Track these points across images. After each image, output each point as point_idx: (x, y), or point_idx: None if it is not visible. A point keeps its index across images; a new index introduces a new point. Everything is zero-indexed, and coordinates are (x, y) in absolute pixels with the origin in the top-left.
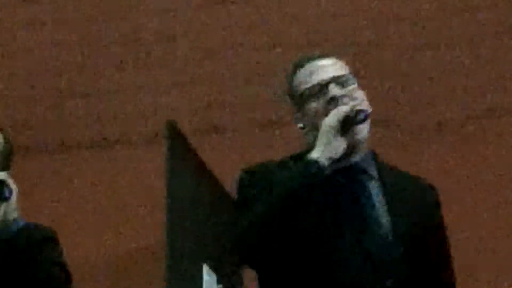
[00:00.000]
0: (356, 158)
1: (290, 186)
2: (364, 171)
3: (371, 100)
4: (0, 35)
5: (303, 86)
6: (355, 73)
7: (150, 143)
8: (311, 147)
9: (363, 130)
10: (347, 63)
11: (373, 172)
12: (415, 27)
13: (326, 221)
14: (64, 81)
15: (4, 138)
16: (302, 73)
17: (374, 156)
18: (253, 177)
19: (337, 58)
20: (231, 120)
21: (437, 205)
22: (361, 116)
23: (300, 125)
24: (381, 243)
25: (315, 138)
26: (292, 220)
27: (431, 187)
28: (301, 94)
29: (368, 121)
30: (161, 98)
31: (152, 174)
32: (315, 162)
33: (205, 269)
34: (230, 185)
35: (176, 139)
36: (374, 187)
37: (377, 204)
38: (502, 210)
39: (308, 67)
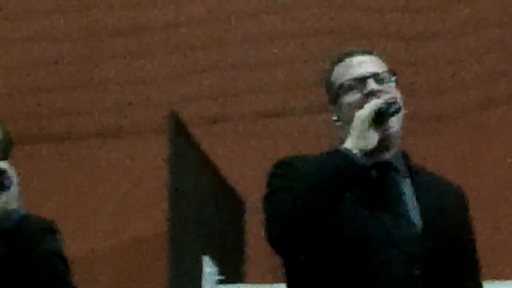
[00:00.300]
0: (388, 155)
1: (320, 176)
2: (396, 169)
3: None
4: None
5: (342, 79)
6: None
7: (153, 133)
8: (343, 141)
9: (396, 124)
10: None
11: (404, 171)
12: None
13: (357, 215)
14: (68, 71)
15: (2, 128)
16: (341, 67)
17: (405, 155)
18: (287, 168)
19: (377, 55)
20: (234, 110)
21: (466, 207)
22: (394, 108)
23: (335, 117)
24: (412, 241)
25: (349, 131)
26: (322, 211)
27: (460, 190)
28: (339, 87)
29: (401, 117)
30: (165, 88)
31: (155, 164)
32: (346, 153)
33: (206, 260)
34: (233, 175)
35: (179, 130)
36: (406, 186)
37: (409, 203)
38: None
39: (349, 61)
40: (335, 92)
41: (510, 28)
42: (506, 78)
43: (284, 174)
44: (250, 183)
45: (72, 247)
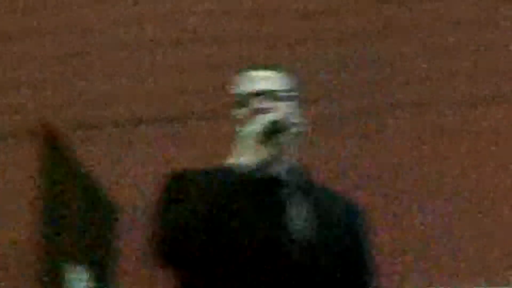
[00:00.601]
0: (277, 169)
1: (209, 191)
2: (285, 184)
3: None
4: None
5: (238, 91)
6: None
7: (26, 139)
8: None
9: (285, 140)
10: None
11: (298, 185)
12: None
13: (242, 226)
14: None
15: None
16: (242, 79)
17: (304, 170)
18: (179, 181)
19: (285, 72)
20: (110, 116)
21: (364, 226)
22: (285, 125)
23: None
24: (288, 251)
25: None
26: (212, 223)
27: (360, 209)
28: (236, 98)
29: (294, 132)
30: (38, 93)
31: (26, 170)
32: (232, 168)
33: (77, 268)
34: (108, 180)
35: (52, 135)
36: (295, 199)
37: (294, 215)
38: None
39: (249, 75)
40: (235, 102)
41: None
42: None
43: (176, 187)
44: (127, 191)
45: None
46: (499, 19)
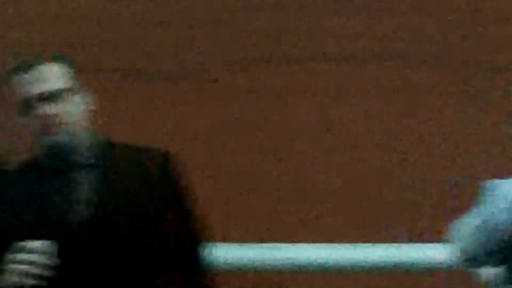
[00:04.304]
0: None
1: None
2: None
3: None
4: None
5: (17, 97)
6: None
7: None
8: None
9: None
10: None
11: (81, 163)
12: None
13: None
14: None
15: None
16: (15, 82)
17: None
18: None
19: (54, 65)
20: None
21: (169, 174)
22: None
23: None
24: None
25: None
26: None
27: (163, 156)
28: (17, 103)
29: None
30: None
31: None
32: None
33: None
34: None
35: None
36: (82, 176)
37: (76, 193)
38: None
39: (19, 78)
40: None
41: None
42: None
43: None
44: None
45: None
46: None
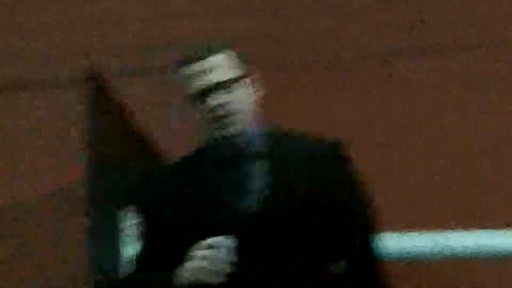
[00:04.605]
0: (230, 131)
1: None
2: (243, 158)
3: None
4: None
5: (186, 89)
6: None
7: (69, 85)
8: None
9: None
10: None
11: (255, 154)
12: None
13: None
14: None
15: None
16: (184, 75)
17: (264, 128)
18: (144, 190)
19: (224, 56)
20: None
21: (338, 165)
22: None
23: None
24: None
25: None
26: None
27: (332, 147)
28: (186, 95)
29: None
30: (79, 38)
31: (71, 116)
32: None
33: (127, 213)
34: (154, 126)
35: (96, 82)
36: (254, 168)
37: (249, 187)
38: None
39: (188, 70)
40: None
41: None
42: None
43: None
44: (170, 136)
45: None
46: None
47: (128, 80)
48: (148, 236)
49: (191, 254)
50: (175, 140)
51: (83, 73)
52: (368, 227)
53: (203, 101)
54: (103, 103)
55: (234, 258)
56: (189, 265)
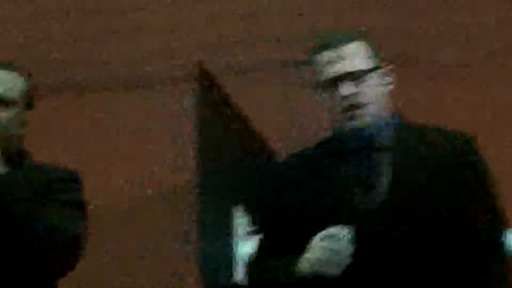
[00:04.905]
0: (359, 123)
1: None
2: (372, 149)
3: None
4: None
5: (319, 76)
6: None
7: (179, 83)
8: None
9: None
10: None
11: (384, 146)
12: None
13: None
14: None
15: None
16: (318, 61)
17: (394, 119)
18: (272, 181)
19: (359, 44)
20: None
21: (467, 155)
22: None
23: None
24: (366, 217)
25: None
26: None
27: (459, 139)
28: (318, 82)
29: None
30: (190, 36)
31: (182, 114)
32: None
33: (237, 211)
34: (263, 125)
35: (206, 79)
36: (382, 158)
37: (376, 178)
38: None
39: (320, 58)
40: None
41: None
42: None
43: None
44: (280, 133)
45: (95, 197)
46: None
47: (243, 77)
48: (265, 229)
49: (311, 244)
50: (285, 137)
51: (194, 70)
52: (495, 223)
53: (335, 90)
54: (214, 100)
55: (354, 250)
56: (309, 255)
